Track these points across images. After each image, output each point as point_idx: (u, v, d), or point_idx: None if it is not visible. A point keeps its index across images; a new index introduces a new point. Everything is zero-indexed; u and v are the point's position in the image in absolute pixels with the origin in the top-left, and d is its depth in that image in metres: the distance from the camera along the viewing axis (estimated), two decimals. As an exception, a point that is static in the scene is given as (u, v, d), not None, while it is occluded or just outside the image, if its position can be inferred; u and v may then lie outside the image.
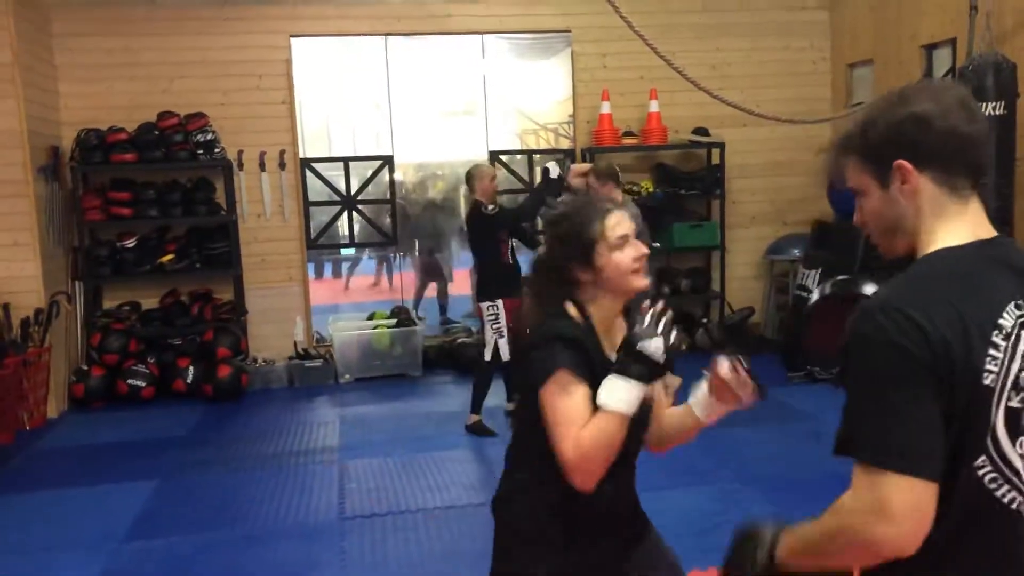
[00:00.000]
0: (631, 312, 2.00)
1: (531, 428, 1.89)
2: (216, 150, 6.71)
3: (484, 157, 7.49)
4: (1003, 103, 5.02)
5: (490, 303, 5.41)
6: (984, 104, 5.03)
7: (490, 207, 5.33)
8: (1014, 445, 1.26)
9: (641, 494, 4.05)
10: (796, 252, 7.35)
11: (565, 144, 7.80)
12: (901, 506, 1.21)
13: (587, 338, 1.88)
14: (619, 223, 1.94)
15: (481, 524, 4.08)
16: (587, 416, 1.78)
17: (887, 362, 1.24)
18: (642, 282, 1.96)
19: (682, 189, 7.23)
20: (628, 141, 7.12)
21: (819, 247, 6.71)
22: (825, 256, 6.55)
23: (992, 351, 1.25)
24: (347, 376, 7.00)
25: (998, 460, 1.26)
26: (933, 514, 1.23)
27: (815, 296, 6.24)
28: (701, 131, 7.31)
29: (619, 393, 1.75)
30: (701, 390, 1.99)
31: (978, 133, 1.35)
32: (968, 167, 1.35)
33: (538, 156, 7.69)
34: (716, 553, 1.64)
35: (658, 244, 7.17)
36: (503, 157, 7.54)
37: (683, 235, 7.22)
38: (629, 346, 1.77)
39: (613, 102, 7.19)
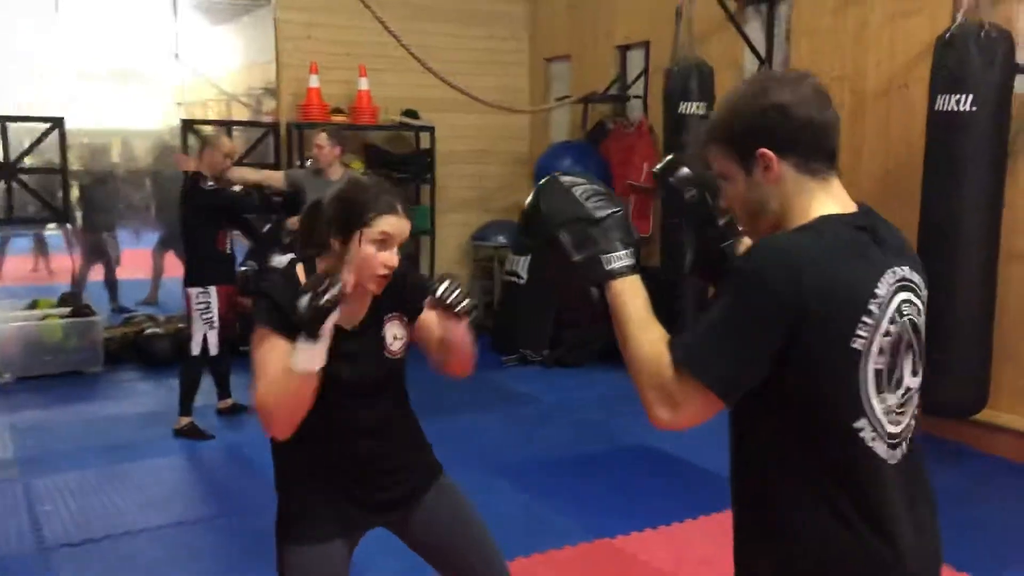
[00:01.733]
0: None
1: None
2: None
3: (175, 126, 6.76)
4: (705, 104, 5.46)
5: (201, 290, 4.85)
6: (688, 104, 5.45)
7: (210, 183, 4.76)
8: (880, 396, 1.36)
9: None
10: (501, 239, 7.50)
11: (268, 117, 7.26)
12: (690, 408, 1.34)
13: (292, 295, 1.83)
14: (394, 224, 1.92)
15: (219, 538, 3.65)
16: (277, 368, 1.83)
17: (756, 294, 1.33)
18: (375, 289, 1.96)
19: (393, 172, 7.04)
20: (338, 119, 6.79)
21: (527, 234, 6.87)
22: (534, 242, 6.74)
23: (865, 318, 1.33)
24: (7, 376, 5.96)
25: (872, 420, 1.35)
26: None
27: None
28: (411, 113, 7.18)
29: (296, 354, 1.79)
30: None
31: (831, 119, 1.43)
32: (824, 152, 1.42)
33: (238, 129, 7.09)
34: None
35: (368, 228, 6.96)
36: (201, 128, 6.83)
37: (395, 219, 7.04)
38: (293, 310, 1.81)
39: (319, 77, 6.82)
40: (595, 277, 1.42)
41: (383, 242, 1.91)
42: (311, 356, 1.78)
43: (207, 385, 5.03)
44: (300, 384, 1.79)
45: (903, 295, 1.39)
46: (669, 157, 1.78)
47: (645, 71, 6.75)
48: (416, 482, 2.14)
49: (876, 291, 1.35)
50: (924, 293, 1.45)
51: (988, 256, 4.10)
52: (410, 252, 7.39)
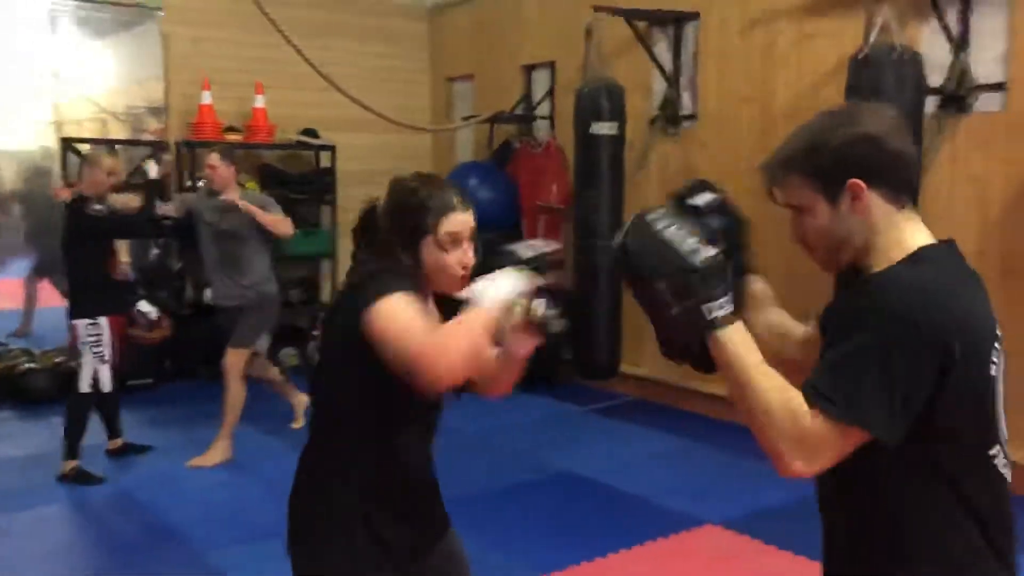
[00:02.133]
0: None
1: (340, 392, 1.76)
2: None
3: (48, 146, 6.28)
4: (616, 124, 5.42)
5: (90, 322, 4.46)
6: (600, 124, 5.40)
7: (97, 206, 4.38)
8: (1004, 427, 1.38)
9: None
10: (405, 261, 7.28)
11: (151, 136, 6.84)
12: (830, 450, 1.28)
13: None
14: (460, 222, 1.80)
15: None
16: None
17: (904, 343, 1.27)
18: (459, 291, 1.75)
19: (291, 193, 6.74)
20: (232, 137, 6.45)
21: (435, 256, 6.69)
22: (442, 265, 6.56)
23: (996, 344, 1.34)
24: None
25: (1003, 445, 1.36)
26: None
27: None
28: (310, 132, 6.91)
29: (493, 288, 1.61)
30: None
31: (915, 153, 1.42)
32: (909, 184, 1.40)
33: (122, 148, 6.66)
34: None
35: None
36: (82, 147, 6.37)
37: (295, 242, 6.68)
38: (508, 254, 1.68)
39: (212, 93, 6.48)
40: (697, 329, 1.35)
41: (453, 243, 1.78)
42: (515, 296, 1.63)
43: (92, 424, 4.62)
44: (486, 324, 1.59)
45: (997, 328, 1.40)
46: (694, 180, 1.67)
47: (551, 91, 6.69)
48: (444, 521, 1.97)
49: (994, 316, 1.37)
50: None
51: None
52: (309, 277, 7.12)
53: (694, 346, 1.40)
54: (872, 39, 4.12)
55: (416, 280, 1.75)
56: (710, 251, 1.35)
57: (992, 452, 1.33)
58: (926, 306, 1.27)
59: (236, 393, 4.76)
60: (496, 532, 3.83)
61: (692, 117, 5.69)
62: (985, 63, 4.32)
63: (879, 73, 4.01)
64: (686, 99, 5.75)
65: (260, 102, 6.60)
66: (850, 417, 1.25)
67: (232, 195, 4.76)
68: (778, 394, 1.29)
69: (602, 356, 5.46)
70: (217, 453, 4.74)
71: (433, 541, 1.90)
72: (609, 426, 5.44)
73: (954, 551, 1.32)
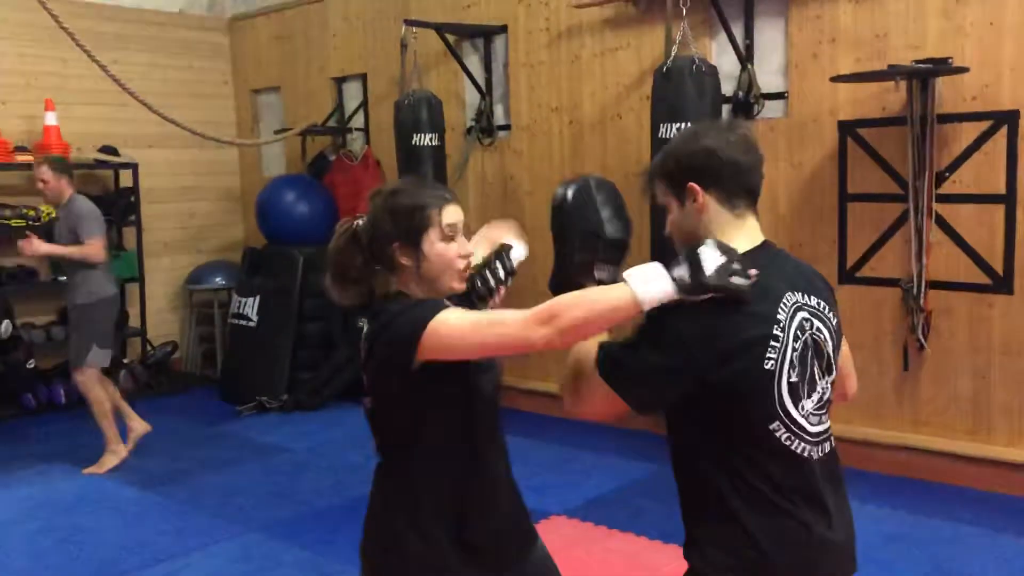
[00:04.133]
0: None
1: (399, 426, 1.77)
2: None
3: None
4: (437, 135, 5.53)
5: None
6: (420, 136, 5.49)
7: None
8: (797, 408, 1.60)
9: (154, 568, 3.50)
10: (219, 280, 7.05)
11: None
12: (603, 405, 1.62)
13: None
14: (455, 214, 1.82)
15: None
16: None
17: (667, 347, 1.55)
18: (460, 285, 1.84)
19: (92, 215, 6.34)
20: (23, 158, 6.00)
21: (254, 274, 6.53)
22: (263, 282, 6.42)
23: (772, 342, 1.56)
24: None
25: (788, 423, 1.59)
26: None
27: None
28: (109, 150, 6.54)
29: (650, 280, 1.54)
30: None
31: (753, 162, 1.67)
32: (744, 189, 1.67)
33: None
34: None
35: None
36: None
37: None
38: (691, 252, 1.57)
39: (-5, 111, 6.02)
40: (583, 279, 1.72)
41: (451, 236, 1.79)
42: (659, 295, 1.54)
43: None
44: (614, 306, 1.55)
45: (801, 315, 1.62)
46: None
47: (365, 103, 6.71)
48: (531, 528, 1.97)
49: (778, 316, 1.58)
50: (828, 312, 1.68)
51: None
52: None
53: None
54: (673, 52, 4.46)
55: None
56: (619, 230, 1.72)
57: (772, 427, 1.57)
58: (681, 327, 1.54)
59: (95, 403, 4.84)
60: (349, 549, 3.81)
61: (506, 127, 5.90)
62: (768, 74, 4.79)
63: (681, 84, 4.36)
64: (499, 110, 5.95)
65: (51, 119, 6.18)
66: (611, 373, 1.59)
67: (63, 206, 4.89)
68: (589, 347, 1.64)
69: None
70: (110, 459, 4.90)
71: (522, 548, 1.90)
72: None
73: (750, 507, 1.57)
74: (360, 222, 1.83)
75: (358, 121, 6.77)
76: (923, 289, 4.28)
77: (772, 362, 1.55)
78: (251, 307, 6.37)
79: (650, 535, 3.80)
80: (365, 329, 1.77)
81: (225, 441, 5.47)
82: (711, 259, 1.51)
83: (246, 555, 3.79)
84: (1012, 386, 4.16)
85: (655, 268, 1.54)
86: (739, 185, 1.65)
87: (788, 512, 1.58)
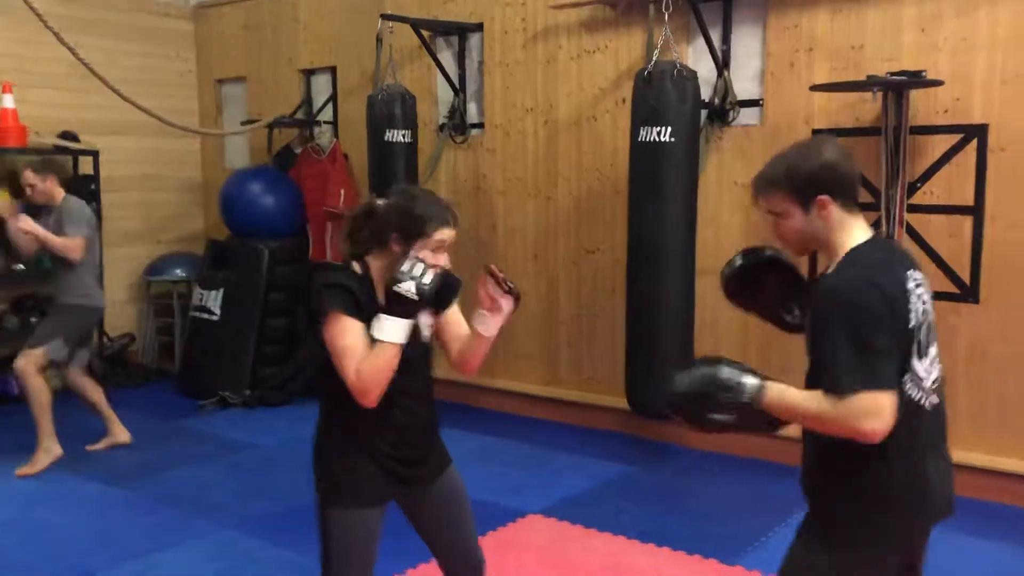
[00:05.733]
0: None
1: (325, 373, 2.22)
2: None
3: None
4: (410, 131, 5.50)
5: None
6: (393, 132, 5.45)
7: None
8: (920, 361, 1.93)
9: (124, 564, 3.44)
10: (180, 272, 6.91)
11: None
12: (890, 409, 1.82)
13: (358, 286, 2.22)
14: (448, 234, 2.25)
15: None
16: (363, 347, 2.14)
17: (866, 316, 1.84)
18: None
19: (49, 203, 6.16)
20: (-22, 142, 5.81)
21: (218, 267, 6.41)
22: (227, 276, 6.30)
23: (910, 303, 1.91)
24: None
25: (914, 374, 1.93)
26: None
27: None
28: (69, 136, 6.37)
29: (388, 329, 2.12)
30: (479, 312, 2.31)
31: (857, 172, 2.02)
32: (855, 194, 2.02)
33: None
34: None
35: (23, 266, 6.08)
36: None
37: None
38: (388, 289, 2.13)
39: (-54, 93, 5.81)
40: (754, 415, 1.95)
41: (437, 249, 2.22)
42: (405, 328, 2.13)
43: None
44: (394, 354, 2.12)
45: (919, 289, 1.97)
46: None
47: (334, 96, 6.63)
48: (439, 460, 2.44)
49: (907, 286, 1.93)
50: (927, 285, 2.02)
51: (687, 272, 4.58)
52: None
53: (765, 425, 2.00)
54: (655, 57, 4.50)
55: (358, 278, 2.24)
56: (714, 370, 1.95)
57: (903, 379, 1.89)
58: (864, 290, 1.85)
59: (36, 393, 4.64)
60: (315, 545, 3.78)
61: (479, 126, 5.88)
62: (744, 81, 4.86)
63: (662, 88, 4.40)
64: (473, 108, 5.94)
65: (9, 102, 5.98)
66: (870, 384, 1.82)
67: (56, 208, 4.80)
68: (818, 403, 1.85)
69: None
70: (42, 457, 4.69)
71: (428, 463, 2.39)
72: (413, 429, 5.50)
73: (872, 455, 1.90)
74: (380, 203, 2.27)
75: (326, 114, 6.70)
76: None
77: (914, 319, 1.91)
78: (214, 300, 6.26)
79: (628, 535, 3.83)
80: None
81: (189, 436, 5.37)
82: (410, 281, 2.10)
83: (220, 552, 3.72)
84: (976, 393, 4.28)
85: (380, 318, 2.13)
86: (852, 192, 1.99)
87: (917, 459, 1.93)
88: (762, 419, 1.96)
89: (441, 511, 2.42)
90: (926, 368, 1.94)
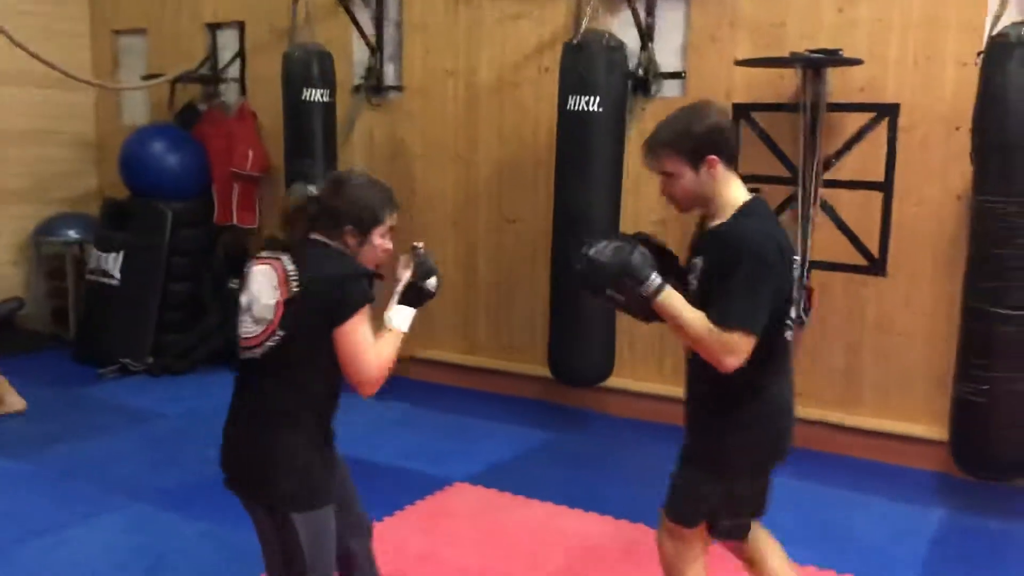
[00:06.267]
0: None
1: (300, 366, 2.16)
2: None
3: None
4: (328, 91, 5.32)
5: None
6: (311, 91, 5.27)
7: None
8: (793, 307, 2.31)
9: (32, 541, 3.31)
10: (73, 233, 6.54)
11: None
12: (748, 352, 2.12)
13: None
14: (395, 219, 2.30)
15: None
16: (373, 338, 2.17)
17: (765, 268, 2.12)
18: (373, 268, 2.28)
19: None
20: None
21: (116, 228, 6.10)
22: (127, 238, 6.00)
23: (794, 256, 2.27)
24: None
25: (789, 317, 2.27)
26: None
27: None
28: (-51, 85, 5.91)
29: (406, 319, 2.26)
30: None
31: (737, 133, 2.31)
32: (735, 154, 2.27)
33: None
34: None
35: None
36: None
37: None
38: (419, 284, 2.29)
39: None
40: (646, 304, 2.19)
41: (385, 234, 2.27)
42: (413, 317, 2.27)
43: None
44: (399, 343, 2.22)
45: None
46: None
47: (241, 53, 6.36)
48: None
49: (788, 239, 2.26)
50: None
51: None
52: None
53: (643, 315, 2.29)
54: (584, 26, 4.48)
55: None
56: (630, 255, 2.17)
57: (786, 322, 2.25)
58: (770, 242, 2.14)
59: None
60: (245, 518, 3.68)
61: (397, 88, 5.75)
62: (667, 53, 4.90)
63: (592, 58, 4.39)
64: (390, 70, 5.79)
65: None
66: (744, 327, 2.10)
67: None
68: (701, 322, 2.12)
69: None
70: None
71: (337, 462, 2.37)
72: (328, 398, 5.39)
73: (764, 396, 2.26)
74: (312, 193, 2.27)
75: (233, 72, 6.42)
76: (806, 268, 4.53)
77: (796, 274, 2.30)
78: (113, 263, 5.96)
79: (556, 500, 3.86)
80: (295, 270, 2.15)
81: (90, 405, 5.12)
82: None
83: (136, 526, 3.57)
84: (881, 361, 4.49)
85: (401, 309, 2.26)
86: (735, 152, 2.24)
87: (789, 388, 2.33)
88: (646, 311, 2.21)
89: (344, 485, 2.40)
90: (794, 312, 2.31)
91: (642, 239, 2.36)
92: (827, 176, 4.52)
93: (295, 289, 2.12)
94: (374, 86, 5.76)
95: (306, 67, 5.27)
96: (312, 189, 2.27)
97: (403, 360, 5.77)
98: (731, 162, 2.20)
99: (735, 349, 2.08)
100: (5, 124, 6.37)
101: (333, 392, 2.25)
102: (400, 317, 2.24)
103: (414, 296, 2.28)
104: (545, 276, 4.94)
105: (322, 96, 5.29)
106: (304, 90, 5.25)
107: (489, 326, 5.58)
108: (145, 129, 6.32)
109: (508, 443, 4.63)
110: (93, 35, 7.04)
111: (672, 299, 2.16)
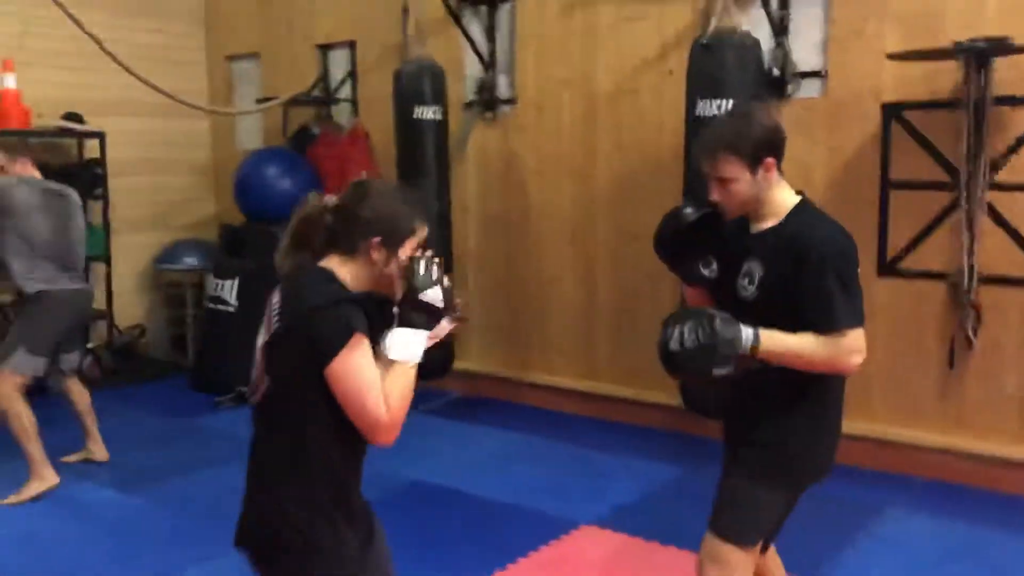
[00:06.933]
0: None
1: (300, 415, 1.80)
2: None
3: None
4: (440, 108, 5.13)
5: None
6: (423, 109, 5.08)
7: None
8: None
9: None
10: (191, 261, 6.56)
11: None
12: (864, 344, 2.07)
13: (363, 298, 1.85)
14: (426, 231, 1.95)
15: None
16: (379, 375, 1.77)
17: (852, 264, 2.11)
18: (398, 294, 1.91)
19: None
20: (-22, 123, 5.46)
21: (232, 255, 6.07)
22: (242, 264, 5.95)
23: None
24: None
25: None
26: None
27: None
28: (74, 117, 6.01)
29: (412, 346, 1.82)
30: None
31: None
32: (783, 157, 2.21)
33: None
34: None
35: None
36: None
37: (62, 244, 5.81)
38: (413, 298, 1.85)
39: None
40: (748, 366, 2.05)
41: (415, 249, 1.91)
42: (424, 343, 1.85)
43: None
44: (414, 376, 1.82)
45: None
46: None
47: (353, 72, 6.25)
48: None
49: None
50: None
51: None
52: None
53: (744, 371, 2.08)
54: (713, 24, 4.12)
55: (361, 297, 1.85)
56: (711, 329, 2.00)
57: None
58: (843, 239, 2.12)
59: (15, 415, 4.00)
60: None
61: (510, 101, 5.50)
62: (805, 50, 4.48)
63: (723, 57, 4.02)
64: (503, 83, 5.56)
65: (11, 82, 5.62)
66: (856, 324, 2.06)
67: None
68: (811, 341, 2.04)
69: (436, 352, 5.15)
70: (33, 486, 4.05)
71: (373, 533, 1.99)
72: (445, 427, 5.16)
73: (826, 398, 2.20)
74: (333, 201, 1.91)
75: (345, 92, 6.32)
76: (973, 283, 4.02)
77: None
78: (230, 290, 5.92)
79: (693, 547, 3.47)
80: (279, 303, 1.82)
81: (206, 436, 5.04)
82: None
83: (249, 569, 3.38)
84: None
85: (399, 333, 1.82)
86: (784, 152, 2.18)
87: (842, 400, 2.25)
88: (746, 365, 2.04)
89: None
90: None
91: (706, 212, 2.23)
92: (995, 179, 4.01)
93: (275, 328, 1.79)
94: (487, 101, 5.54)
95: (417, 84, 5.08)
96: (330, 199, 1.92)
97: (518, 385, 5.69)
98: (781, 164, 2.17)
99: (854, 348, 2.04)
100: (124, 154, 6.43)
101: (350, 448, 1.85)
102: (399, 344, 1.80)
103: (414, 314, 1.84)
104: (671, 295, 4.58)
105: (434, 113, 5.09)
106: (416, 108, 5.06)
107: (610, 349, 5.24)
108: (259, 153, 6.28)
109: (636, 480, 4.27)
110: (208, 62, 7.10)
111: (773, 340, 2.04)
